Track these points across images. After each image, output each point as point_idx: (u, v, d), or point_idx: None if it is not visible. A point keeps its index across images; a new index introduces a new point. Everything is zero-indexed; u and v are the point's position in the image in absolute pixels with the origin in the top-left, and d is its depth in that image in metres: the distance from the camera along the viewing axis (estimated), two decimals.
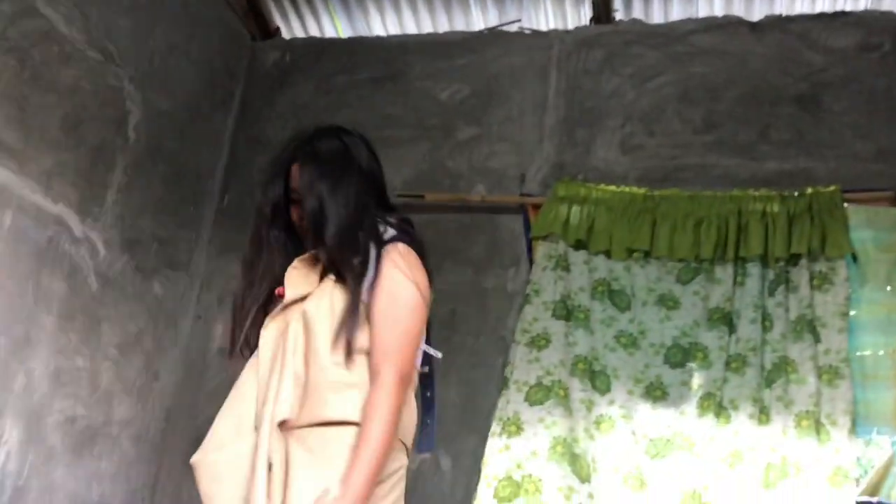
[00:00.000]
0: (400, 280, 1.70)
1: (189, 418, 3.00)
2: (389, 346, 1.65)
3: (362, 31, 3.52)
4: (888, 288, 2.54)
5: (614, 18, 3.17)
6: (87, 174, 2.60)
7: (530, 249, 2.87)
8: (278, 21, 3.57)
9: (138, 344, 2.85)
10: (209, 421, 2.92)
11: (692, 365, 2.59)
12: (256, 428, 1.61)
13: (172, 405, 3.00)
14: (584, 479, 2.48)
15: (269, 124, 3.36)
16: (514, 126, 3.09)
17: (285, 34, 3.59)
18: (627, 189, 2.81)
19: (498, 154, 3.06)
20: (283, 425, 1.57)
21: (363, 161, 1.89)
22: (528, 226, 2.89)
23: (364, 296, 1.69)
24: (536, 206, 2.88)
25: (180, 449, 2.96)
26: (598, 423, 2.56)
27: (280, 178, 1.83)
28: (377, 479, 1.55)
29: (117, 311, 2.74)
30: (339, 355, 1.63)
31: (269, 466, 1.54)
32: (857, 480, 2.37)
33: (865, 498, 2.36)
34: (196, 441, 2.90)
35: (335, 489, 1.52)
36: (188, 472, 2.89)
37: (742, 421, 2.47)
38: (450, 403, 2.79)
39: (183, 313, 3.08)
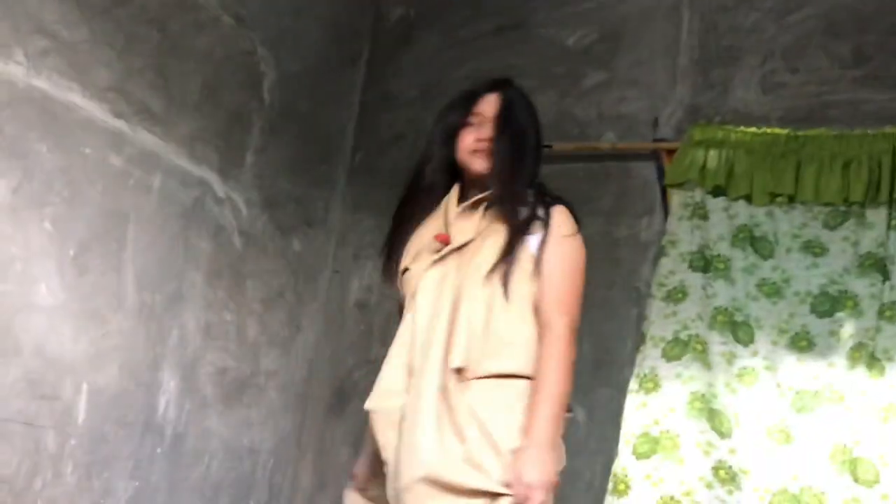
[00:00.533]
0: (571, 238, 1.82)
1: (330, 369, 3.12)
2: (563, 298, 1.71)
3: None
4: None
5: None
6: (226, 137, 2.72)
7: (665, 197, 2.78)
8: None
9: (281, 298, 2.98)
10: (350, 371, 3.07)
11: (842, 314, 2.44)
12: (418, 371, 1.67)
13: (314, 357, 3.13)
14: (725, 434, 2.41)
15: (395, 80, 3.39)
16: (644, 69, 2.98)
17: None
18: (769, 130, 2.66)
19: (628, 99, 2.97)
20: (458, 373, 1.61)
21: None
22: (661, 173, 2.80)
23: (534, 250, 1.71)
24: (671, 152, 2.78)
25: (323, 398, 3.10)
26: (740, 375, 2.47)
27: (465, 106, 1.91)
28: (559, 428, 1.58)
29: (260, 268, 2.87)
30: (507, 306, 1.67)
31: (447, 411, 1.59)
32: None
33: None
34: (338, 391, 3.06)
35: (518, 439, 1.56)
36: (331, 420, 3.05)
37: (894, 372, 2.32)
38: (582, 356, 2.74)
39: (321, 268, 3.19)
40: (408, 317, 1.82)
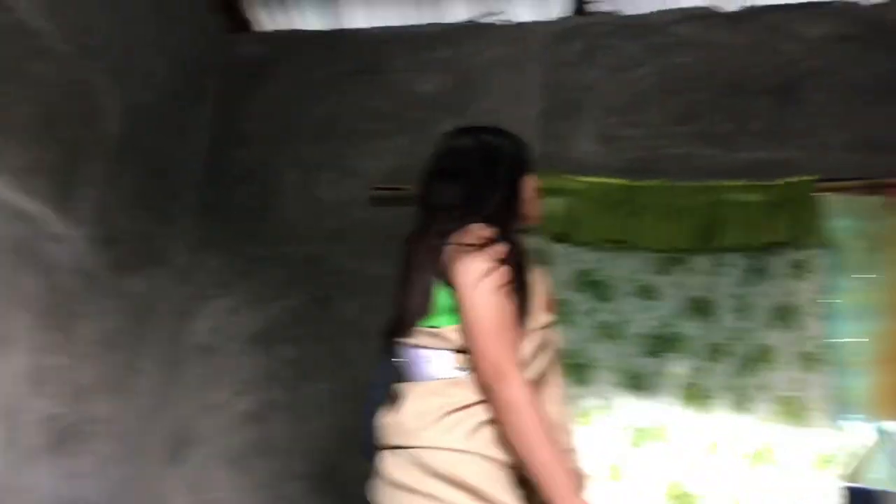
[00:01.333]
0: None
1: (169, 415, 2.98)
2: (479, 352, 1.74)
3: (341, 24, 3.49)
4: (864, 275, 2.58)
5: (593, 10, 3.17)
6: (62, 170, 2.56)
7: None
8: (255, 14, 3.53)
9: (118, 340, 2.82)
10: (190, 417, 2.93)
11: (673, 355, 2.61)
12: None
13: (152, 402, 2.98)
14: None
15: (248, 118, 3.34)
16: (494, 118, 3.05)
17: (263, 27, 3.56)
18: (608, 180, 2.82)
19: None
20: None
21: None
22: None
23: None
24: None
25: (160, 446, 2.95)
26: (580, 415, 2.58)
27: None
28: (555, 472, 1.50)
29: (96, 308, 2.71)
30: None
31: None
32: (839, 466, 2.41)
33: (848, 483, 2.40)
34: (175, 438, 2.92)
35: None
36: (168, 468, 2.90)
37: (722, 410, 2.50)
38: None
39: (162, 309, 3.06)
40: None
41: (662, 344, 2.64)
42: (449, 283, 1.61)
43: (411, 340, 1.69)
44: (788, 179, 2.66)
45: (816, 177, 2.64)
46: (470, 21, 3.29)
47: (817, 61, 2.84)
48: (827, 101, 2.80)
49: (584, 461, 2.47)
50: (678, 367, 2.59)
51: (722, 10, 3.01)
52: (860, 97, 2.77)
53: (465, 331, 1.57)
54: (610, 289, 2.73)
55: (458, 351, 1.61)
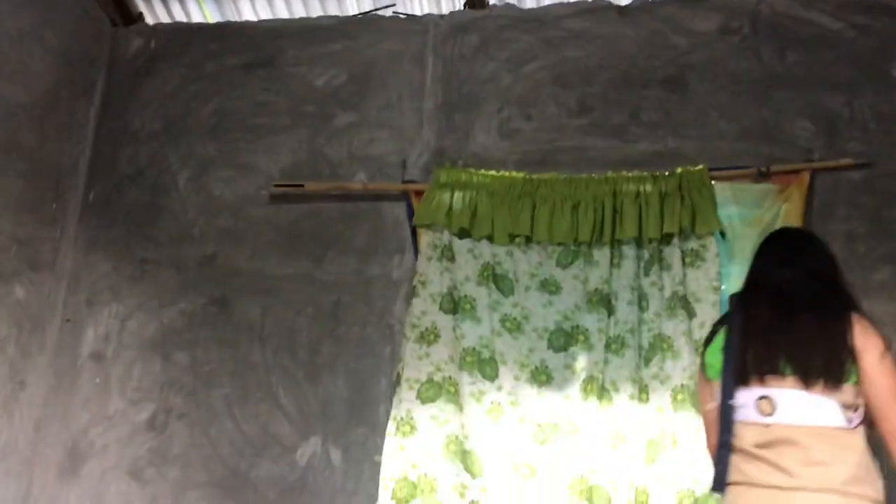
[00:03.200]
0: None
1: (61, 428, 2.84)
2: None
3: (231, 17, 3.39)
4: None
5: (488, 3, 3.17)
6: None
7: (415, 237, 2.85)
8: (141, 6, 3.40)
9: (1, 352, 2.67)
10: (85, 429, 2.81)
11: (574, 348, 2.65)
12: None
13: (42, 415, 2.83)
14: (476, 473, 2.51)
15: (135, 114, 3.21)
16: (392, 112, 3.05)
17: (149, 20, 3.42)
18: (507, 174, 2.83)
19: (378, 140, 3.03)
20: None
21: None
22: (411, 213, 2.87)
23: None
24: (419, 193, 2.87)
25: (53, 460, 2.81)
26: (489, 412, 2.59)
27: None
28: None
29: None
30: None
31: None
32: None
33: None
34: (72, 451, 2.79)
35: None
36: (62, 484, 2.77)
37: (623, 401, 2.55)
38: (338, 395, 2.76)
39: (49, 317, 2.91)
40: None
41: (564, 337, 2.67)
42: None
43: (797, 387, 1.84)
44: (683, 169, 2.72)
45: (705, 166, 2.71)
46: (364, 13, 3.25)
47: (703, 54, 2.92)
48: (715, 92, 2.88)
49: (492, 457, 2.52)
50: (580, 361, 2.62)
51: (613, 4, 3.06)
52: (747, 88, 2.86)
53: (872, 391, 1.83)
54: (512, 283, 2.75)
55: (848, 405, 1.82)
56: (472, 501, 2.50)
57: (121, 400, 2.85)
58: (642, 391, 2.55)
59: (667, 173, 2.73)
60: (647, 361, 2.58)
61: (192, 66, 3.24)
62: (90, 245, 3.04)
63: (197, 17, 3.42)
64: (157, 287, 2.95)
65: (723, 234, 2.69)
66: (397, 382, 2.64)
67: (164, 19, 3.43)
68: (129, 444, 2.80)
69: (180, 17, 3.43)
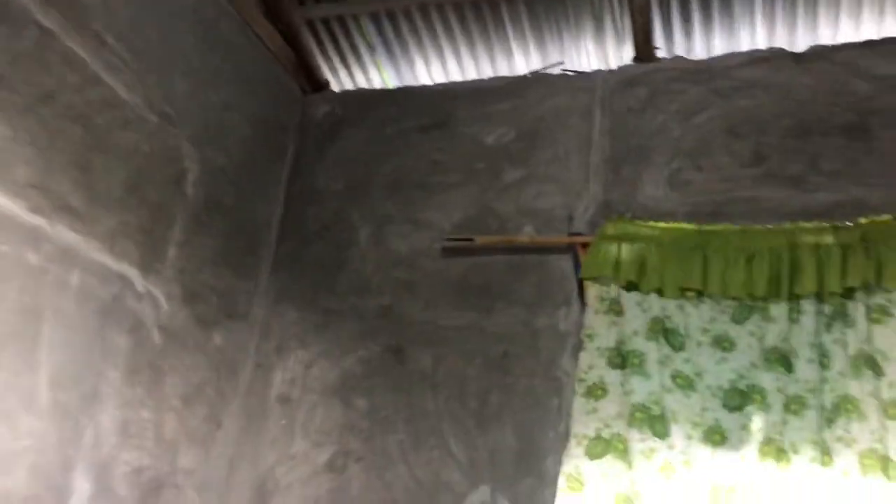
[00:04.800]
0: None
1: (251, 466, 3.06)
2: None
3: (408, 81, 3.61)
4: None
5: (656, 56, 3.19)
6: (148, 231, 2.71)
7: (581, 289, 2.87)
8: (327, 74, 3.68)
9: (201, 394, 2.93)
10: (271, 468, 3.02)
11: (751, 408, 2.54)
12: None
13: (235, 453, 3.07)
14: None
15: (321, 175, 3.46)
16: (559, 166, 3.12)
17: (334, 87, 3.70)
18: (677, 225, 2.80)
19: (545, 195, 3.09)
20: None
21: None
22: (577, 265, 2.90)
23: None
24: (585, 245, 2.89)
25: (244, 496, 3.03)
26: (661, 469, 2.53)
27: None
28: None
29: (180, 363, 2.83)
30: None
31: None
32: None
33: None
34: (259, 489, 3.00)
35: None
36: None
37: (803, 465, 2.41)
38: (506, 445, 2.80)
39: (243, 362, 3.17)
40: None
41: (739, 396, 2.56)
42: None
43: None
44: (868, 219, 2.58)
45: (893, 216, 2.56)
46: (533, 72, 3.35)
47: (888, 98, 2.78)
48: None
49: None
50: (756, 422, 2.52)
51: (788, 51, 2.99)
52: None
53: None
54: (683, 338, 2.69)
55: None
56: None
57: (304, 441, 3.04)
58: (825, 454, 2.41)
59: (849, 224, 2.60)
60: (830, 423, 2.43)
61: (372, 128, 3.46)
62: (280, 296, 3.29)
63: (378, 83, 3.67)
64: (338, 335, 3.14)
65: None
66: (566, 438, 2.65)
67: (349, 86, 3.70)
68: (310, 484, 2.97)
69: (362, 83, 3.69)
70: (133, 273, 2.64)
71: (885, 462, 2.33)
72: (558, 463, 2.67)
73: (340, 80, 3.72)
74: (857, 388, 2.43)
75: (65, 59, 2.41)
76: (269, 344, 3.23)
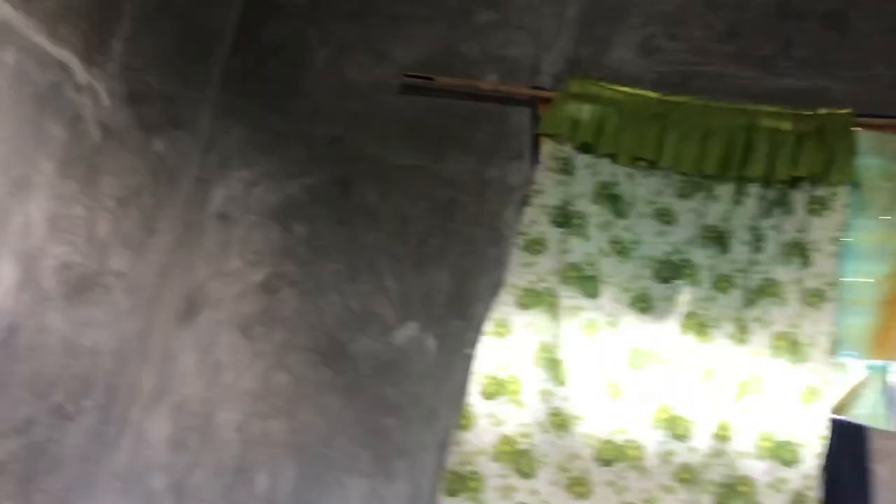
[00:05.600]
0: None
1: (184, 277, 3.05)
2: None
3: None
4: (886, 217, 2.55)
5: None
6: (93, 20, 2.54)
7: (536, 146, 2.85)
8: None
9: (137, 198, 2.86)
10: (203, 281, 3.01)
11: (680, 282, 2.62)
12: None
13: (168, 262, 3.04)
14: (562, 382, 2.56)
15: None
16: (533, 14, 3.01)
17: None
18: (641, 92, 2.76)
19: (514, 42, 3.00)
20: None
21: None
22: (536, 120, 2.86)
23: None
24: (547, 101, 2.84)
25: (173, 305, 3.03)
26: (583, 327, 2.62)
27: None
28: None
29: (117, 163, 2.74)
30: None
31: None
32: (827, 400, 2.45)
33: (834, 416, 2.45)
34: (189, 299, 3.00)
35: None
36: (179, 328, 2.99)
37: (721, 339, 2.53)
38: (440, 287, 2.85)
39: (183, 173, 3.08)
40: None
41: (671, 269, 2.65)
42: None
43: None
44: (826, 110, 2.60)
45: (851, 111, 2.58)
46: None
47: None
48: (876, 34, 2.70)
49: (580, 371, 2.56)
50: (683, 294, 2.60)
51: None
52: None
53: None
54: (628, 206, 2.72)
55: None
56: (554, 408, 2.56)
57: (239, 259, 3.03)
58: (742, 331, 2.53)
59: (809, 113, 2.61)
60: (752, 303, 2.54)
61: None
62: (227, 111, 3.18)
63: None
64: (284, 159, 3.08)
65: (857, 185, 2.57)
66: (501, 286, 2.70)
67: None
68: (242, 301, 2.98)
69: None
70: (74, 62, 2.49)
71: (794, 346, 2.46)
72: (488, 309, 2.74)
73: None
74: (784, 273, 2.52)
75: None
76: (212, 158, 3.14)
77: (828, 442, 2.40)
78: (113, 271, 2.79)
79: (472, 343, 2.71)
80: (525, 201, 2.77)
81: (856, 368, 2.53)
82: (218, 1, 3.16)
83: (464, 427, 2.57)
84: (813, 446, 2.38)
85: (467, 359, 2.70)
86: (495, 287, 2.76)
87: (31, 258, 2.45)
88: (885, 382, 2.49)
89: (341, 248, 2.95)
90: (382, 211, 2.97)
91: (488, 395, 2.59)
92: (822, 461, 2.38)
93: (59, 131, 2.48)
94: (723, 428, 2.46)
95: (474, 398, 2.60)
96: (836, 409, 2.49)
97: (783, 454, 2.40)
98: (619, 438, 2.51)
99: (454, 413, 2.69)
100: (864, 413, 2.50)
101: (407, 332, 2.83)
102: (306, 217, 3.01)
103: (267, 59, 3.21)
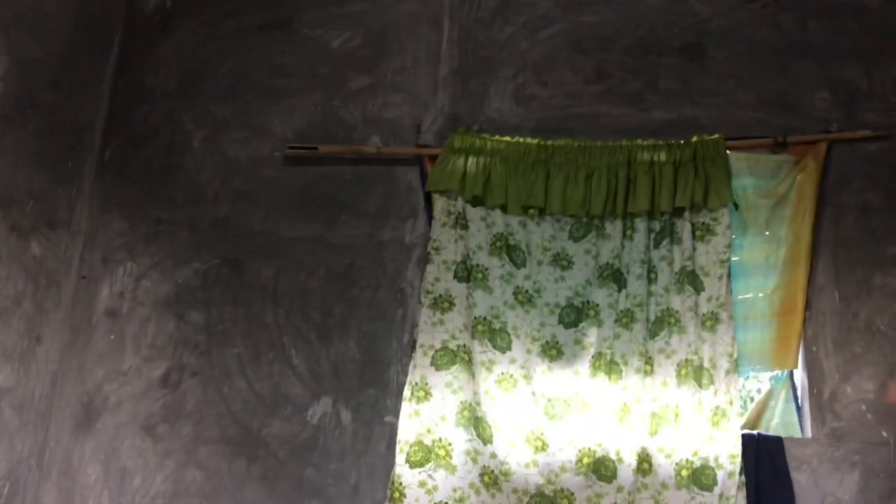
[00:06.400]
0: None
1: (77, 383, 2.89)
2: None
3: None
4: (766, 233, 2.67)
5: None
6: None
7: (428, 202, 2.86)
8: None
9: (17, 307, 2.71)
10: (99, 384, 2.86)
11: (584, 324, 2.65)
12: None
13: (58, 369, 2.88)
14: (487, 440, 2.54)
15: (151, 72, 3.21)
16: (408, 76, 3.04)
17: None
18: (521, 140, 2.82)
19: (392, 104, 3.02)
20: None
21: None
22: (424, 178, 2.88)
23: None
24: (433, 158, 2.86)
25: (69, 414, 2.87)
26: (499, 381, 2.60)
27: None
28: None
29: None
30: None
31: None
32: (740, 416, 2.51)
33: (746, 431, 2.51)
34: (87, 406, 2.84)
35: None
36: (77, 437, 2.83)
37: (630, 375, 2.57)
38: (349, 357, 2.79)
39: (65, 273, 2.94)
40: None
41: (575, 313, 2.67)
42: None
43: None
44: (698, 137, 2.70)
45: (721, 135, 2.70)
46: None
47: (723, 21, 2.89)
48: (733, 61, 2.85)
49: (502, 426, 2.54)
50: (590, 337, 2.63)
51: None
52: (766, 57, 2.83)
53: None
54: (525, 255, 2.75)
55: None
56: (484, 467, 2.53)
57: (135, 357, 2.90)
58: (648, 364, 2.57)
59: (682, 142, 2.71)
60: (654, 335, 2.59)
61: (209, 24, 3.23)
62: (106, 203, 3.06)
63: None
64: (171, 246, 2.98)
65: (735, 206, 2.68)
66: (412, 348, 2.67)
67: None
68: (143, 399, 2.85)
69: None
70: None
71: (698, 371, 2.52)
72: (401, 373, 2.70)
73: None
74: (679, 302, 2.59)
75: None
76: (95, 255, 3.01)
77: (743, 459, 2.44)
78: None
79: (390, 410, 2.67)
80: (425, 259, 2.77)
81: (761, 382, 2.61)
82: (84, 91, 3.06)
83: (394, 500, 2.51)
84: (727, 467, 2.43)
85: (386, 427, 2.65)
86: (406, 349, 2.72)
87: None
88: (789, 391, 2.58)
89: (241, 330, 2.86)
90: (280, 287, 2.90)
91: (415, 463, 2.54)
92: (740, 479, 2.43)
93: None
94: (643, 461, 2.48)
95: (401, 468, 2.54)
96: (749, 425, 2.56)
97: (701, 479, 2.44)
98: (548, 489, 2.50)
99: (380, 486, 2.62)
100: (775, 423, 2.57)
101: (320, 409, 2.76)
102: (201, 303, 2.91)
103: (142, 145, 3.12)
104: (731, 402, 2.48)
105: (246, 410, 2.78)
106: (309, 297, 2.87)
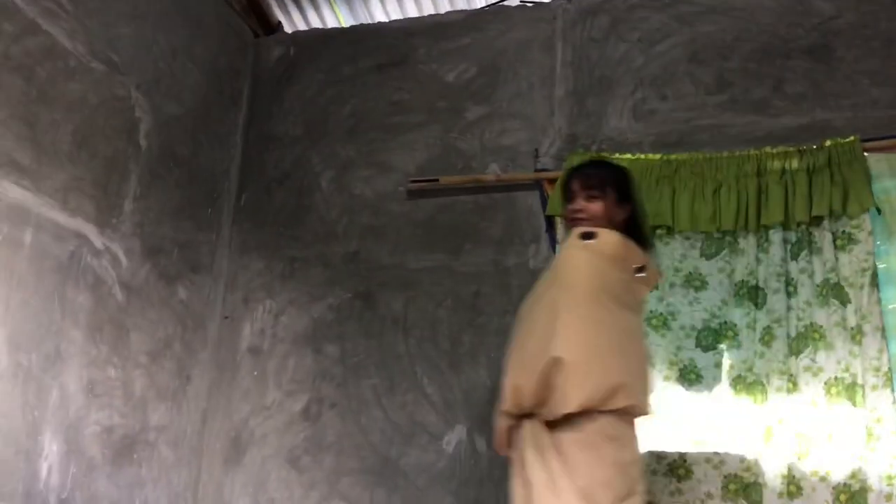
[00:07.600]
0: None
1: (225, 419, 3.03)
2: None
3: (364, 19, 3.50)
4: None
5: None
6: (102, 186, 2.62)
7: (550, 225, 2.85)
8: (279, 15, 3.56)
9: (168, 349, 2.88)
10: (245, 420, 2.99)
11: (722, 346, 2.54)
12: None
13: (207, 406, 3.04)
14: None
15: (278, 120, 3.36)
16: (523, 101, 3.06)
17: (287, 28, 3.58)
18: (643, 156, 2.76)
19: (509, 131, 3.04)
20: None
21: None
22: (545, 202, 2.87)
23: None
24: (552, 181, 2.85)
25: (218, 449, 3.01)
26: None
27: None
28: None
29: (144, 319, 2.77)
30: None
31: None
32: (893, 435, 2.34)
33: None
34: (234, 440, 2.97)
35: None
36: (227, 471, 2.96)
37: (773, 395, 2.43)
38: (480, 383, 2.80)
39: (210, 315, 3.11)
40: None
41: (712, 335, 2.57)
42: None
43: None
44: (832, 141, 2.56)
45: (857, 137, 2.55)
46: (491, 4, 3.26)
47: (850, 18, 2.75)
48: (865, 58, 2.70)
49: (647, 457, 2.47)
50: (728, 359, 2.52)
51: None
52: None
53: None
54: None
55: None
56: None
57: (277, 391, 3.01)
58: (791, 381, 2.42)
59: (815, 147, 2.58)
60: (797, 352, 2.44)
61: (329, 70, 3.36)
62: (244, 246, 3.22)
63: (332, 22, 3.55)
64: (306, 283, 3.10)
65: (878, 210, 2.52)
66: None
67: (302, 26, 3.58)
68: (287, 433, 2.95)
69: (316, 23, 3.57)
70: (89, 229, 2.55)
71: (851, 389, 2.36)
72: None
73: (293, 20, 3.59)
74: (824, 316, 2.43)
75: None
76: (236, 295, 3.17)
77: None
78: (154, 426, 2.78)
79: None
80: None
81: None
82: (219, 143, 3.25)
83: None
84: (882, 489, 2.26)
85: None
86: None
87: (73, 429, 2.46)
88: None
89: (375, 361, 2.93)
90: (410, 317, 2.95)
91: None
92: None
93: (83, 298, 2.52)
94: (792, 485, 2.35)
95: None
96: None
97: (859, 502, 2.28)
98: None
99: None
100: None
101: (455, 437, 2.78)
102: (336, 336, 3.00)
103: (274, 189, 3.27)
104: (878, 420, 2.32)
105: (383, 440, 2.84)
106: (438, 326, 2.91)
